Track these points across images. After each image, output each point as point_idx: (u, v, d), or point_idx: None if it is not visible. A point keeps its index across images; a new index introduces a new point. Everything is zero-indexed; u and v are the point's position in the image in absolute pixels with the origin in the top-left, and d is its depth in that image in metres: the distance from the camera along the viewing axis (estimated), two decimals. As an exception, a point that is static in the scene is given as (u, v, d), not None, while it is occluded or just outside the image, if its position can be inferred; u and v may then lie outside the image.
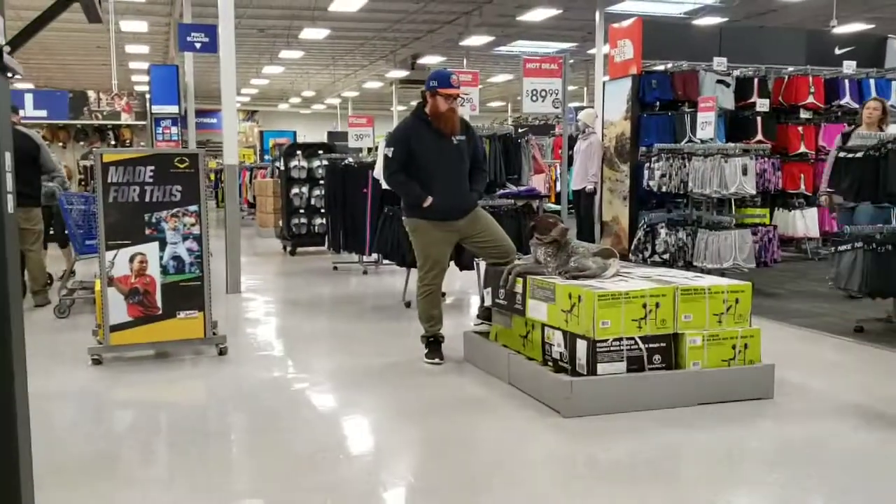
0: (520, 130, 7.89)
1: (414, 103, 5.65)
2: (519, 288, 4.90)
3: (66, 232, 7.48)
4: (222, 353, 5.68)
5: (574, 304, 4.37)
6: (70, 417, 4.38)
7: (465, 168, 5.38)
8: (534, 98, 6.09)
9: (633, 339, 4.34)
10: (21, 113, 10.81)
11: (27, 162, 7.53)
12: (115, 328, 5.43)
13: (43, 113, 13.78)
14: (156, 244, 5.47)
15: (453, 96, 5.30)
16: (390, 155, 5.31)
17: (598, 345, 4.26)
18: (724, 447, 3.92)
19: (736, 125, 10.04)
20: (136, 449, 3.94)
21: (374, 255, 9.68)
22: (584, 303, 4.30)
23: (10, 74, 1.77)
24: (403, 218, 5.52)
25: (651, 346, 4.38)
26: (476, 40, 22.16)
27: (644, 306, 4.36)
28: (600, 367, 4.28)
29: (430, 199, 5.19)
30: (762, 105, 9.90)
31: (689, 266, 8.05)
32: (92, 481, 3.49)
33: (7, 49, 1.74)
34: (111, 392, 4.95)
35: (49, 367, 5.34)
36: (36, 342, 5.46)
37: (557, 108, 6.04)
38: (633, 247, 9.00)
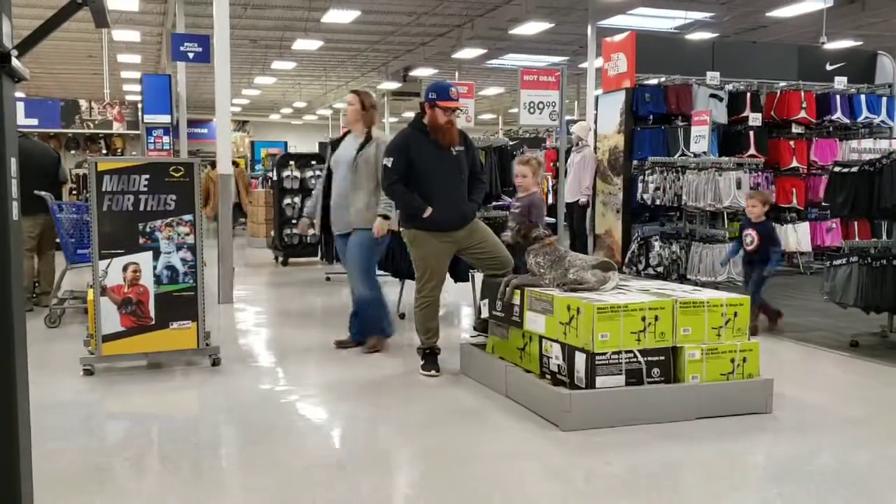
0: (511, 143, 7.89)
1: (406, 115, 5.65)
2: (516, 300, 4.88)
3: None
4: (215, 363, 5.63)
5: (573, 317, 4.35)
6: (62, 428, 4.31)
7: (464, 179, 5.38)
8: (531, 110, 6.10)
9: (632, 352, 4.32)
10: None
11: (51, 174, 7.89)
12: (107, 338, 5.37)
13: (34, 121, 13.69)
14: (149, 253, 5.42)
15: (452, 108, 5.30)
16: (389, 165, 5.29)
17: (597, 357, 4.24)
18: (724, 461, 3.90)
19: (728, 139, 10.09)
20: (129, 461, 3.87)
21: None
22: (582, 315, 4.28)
23: (17, 79, 1.74)
24: (401, 229, 5.50)
25: (650, 359, 4.36)
26: (468, 53, 22.22)
27: (643, 319, 4.34)
28: (599, 381, 4.26)
29: (429, 210, 5.18)
30: (755, 119, 9.94)
31: (682, 279, 8.08)
32: (84, 494, 3.44)
33: (15, 53, 1.71)
34: (103, 403, 4.89)
35: (40, 376, 5.26)
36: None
37: (555, 120, 6.06)
38: (627, 259, 9.02)
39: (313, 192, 6.33)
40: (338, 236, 6.18)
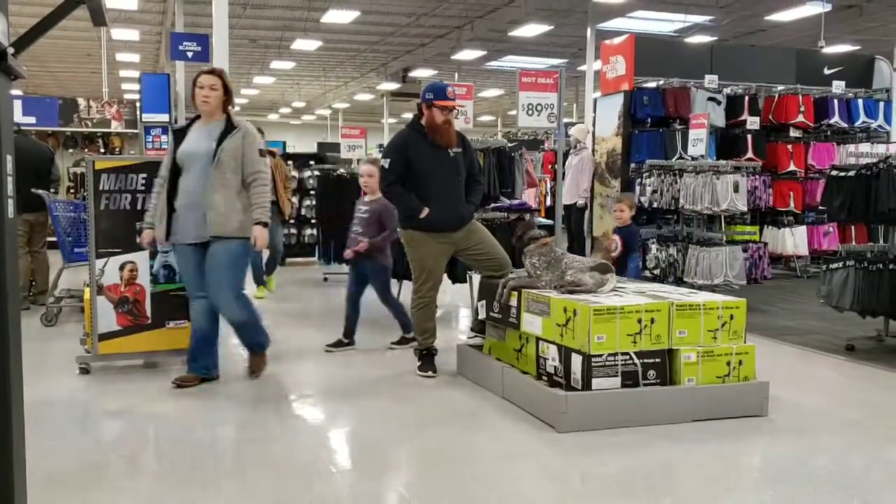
0: (510, 145, 7.90)
1: (405, 116, 5.62)
2: (514, 301, 4.88)
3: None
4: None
5: (569, 319, 4.36)
6: (58, 427, 4.31)
7: (461, 180, 5.38)
8: (529, 112, 6.10)
9: (628, 354, 4.33)
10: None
11: (43, 173, 7.88)
12: (103, 337, 5.37)
13: (32, 119, 13.66)
14: (146, 253, 5.42)
15: (449, 108, 5.31)
16: (387, 166, 5.30)
17: (594, 359, 4.24)
18: (719, 464, 3.90)
19: (726, 142, 10.09)
20: (125, 459, 3.87)
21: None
22: (579, 317, 4.29)
23: (13, 77, 1.74)
24: (399, 230, 5.50)
25: (646, 361, 4.37)
26: (467, 54, 22.26)
27: (639, 321, 4.35)
28: (595, 382, 4.26)
29: (426, 211, 5.18)
30: (752, 123, 9.95)
31: (679, 282, 8.08)
32: (80, 492, 3.43)
33: (11, 51, 1.71)
34: (99, 401, 4.88)
35: (36, 375, 5.25)
36: (22, 350, 5.38)
37: (553, 122, 6.07)
38: (623, 262, 9.01)
39: (152, 195, 5.08)
40: (184, 247, 4.98)
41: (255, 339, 5.35)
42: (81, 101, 14.88)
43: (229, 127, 4.92)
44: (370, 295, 6.40)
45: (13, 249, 1.79)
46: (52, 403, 4.72)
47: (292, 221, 11.94)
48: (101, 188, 5.30)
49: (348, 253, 6.19)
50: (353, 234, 6.22)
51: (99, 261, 5.33)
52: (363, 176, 6.23)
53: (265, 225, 4.89)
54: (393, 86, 26.81)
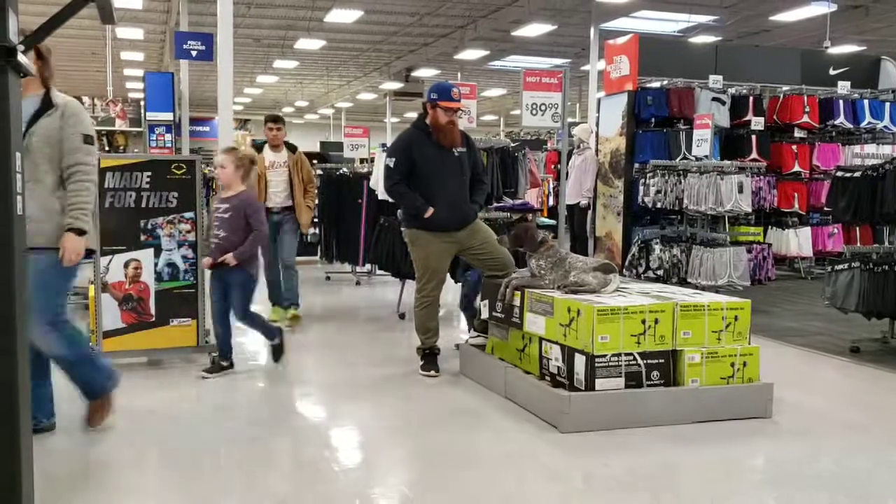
0: (513, 145, 7.90)
1: (408, 115, 5.60)
2: (517, 301, 4.87)
3: None
4: (214, 361, 5.62)
5: (573, 319, 4.35)
6: (62, 425, 4.31)
7: (465, 180, 5.38)
8: (533, 112, 6.11)
9: (631, 354, 4.32)
10: None
11: None
12: (108, 334, 5.38)
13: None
14: (151, 251, 5.44)
15: (453, 109, 5.30)
16: (392, 165, 5.29)
17: (597, 360, 4.24)
18: (722, 465, 3.90)
19: (731, 143, 10.06)
20: (128, 458, 3.88)
21: (368, 266, 9.66)
22: (583, 317, 4.28)
23: (22, 74, 1.74)
24: (403, 229, 5.50)
25: (650, 362, 4.36)
26: (470, 54, 22.24)
27: (643, 322, 4.34)
28: (598, 383, 4.26)
29: (431, 210, 5.18)
30: (757, 123, 9.92)
31: (683, 283, 8.07)
32: (84, 490, 3.44)
33: (21, 48, 1.71)
34: (103, 399, 4.88)
35: (40, 373, 5.26)
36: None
37: (557, 122, 6.08)
38: (627, 262, 9.00)
39: None
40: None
41: (88, 380, 4.16)
42: (86, 100, 14.95)
43: (46, 105, 3.73)
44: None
45: (21, 246, 1.79)
46: (56, 401, 4.71)
47: (312, 233, 10.04)
48: (105, 186, 5.30)
49: (207, 262, 5.28)
50: (213, 239, 5.33)
51: (104, 258, 5.33)
52: (216, 168, 5.46)
53: (81, 233, 3.69)
54: (396, 85, 26.81)
